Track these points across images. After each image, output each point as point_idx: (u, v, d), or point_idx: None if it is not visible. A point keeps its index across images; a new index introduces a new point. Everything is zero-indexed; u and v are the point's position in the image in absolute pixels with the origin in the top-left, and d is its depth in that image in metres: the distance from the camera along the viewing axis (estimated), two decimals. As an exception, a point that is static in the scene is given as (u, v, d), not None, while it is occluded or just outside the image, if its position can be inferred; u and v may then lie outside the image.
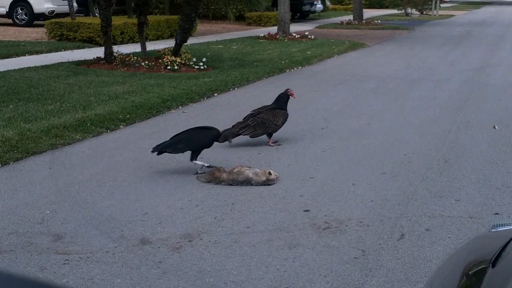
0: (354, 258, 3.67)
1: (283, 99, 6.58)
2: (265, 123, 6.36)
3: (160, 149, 5.38)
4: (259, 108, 6.57)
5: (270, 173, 5.06)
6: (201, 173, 5.27)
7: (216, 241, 3.92)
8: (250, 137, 6.39)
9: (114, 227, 4.15)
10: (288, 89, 6.65)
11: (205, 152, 5.52)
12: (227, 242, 3.91)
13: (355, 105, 8.85)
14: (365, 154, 6.11)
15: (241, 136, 6.35)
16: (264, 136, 6.46)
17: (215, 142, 5.52)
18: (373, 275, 3.46)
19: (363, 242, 3.89)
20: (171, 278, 3.43)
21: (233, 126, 6.38)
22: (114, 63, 11.70)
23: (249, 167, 5.15)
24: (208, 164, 5.33)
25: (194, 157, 5.35)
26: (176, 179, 5.25)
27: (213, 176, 5.09)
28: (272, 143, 6.43)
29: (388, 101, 9.18)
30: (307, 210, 4.47)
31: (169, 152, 5.38)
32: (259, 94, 9.59)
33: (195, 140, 5.35)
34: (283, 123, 6.48)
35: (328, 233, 4.05)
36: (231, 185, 5.00)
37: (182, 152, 5.39)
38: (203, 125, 5.80)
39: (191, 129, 5.55)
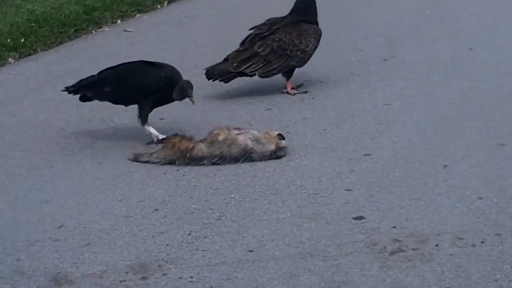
0: (451, 309, 3.67)
1: (309, 4, 6.53)
2: (286, 49, 6.34)
3: (78, 87, 5.51)
4: (269, 22, 6.50)
5: (281, 137, 5.19)
6: (151, 143, 5.38)
7: (192, 278, 3.90)
8: (260, 75, 6.37)
9: (2, 253, 4.14)
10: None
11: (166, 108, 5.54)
12: (214, 280, 3.89)
13: (443, 14, 8.81)
14: (465, 107, 6.09)
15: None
16: (277, 77, 6.44)
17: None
18: None
19: (466, 278, 3.87)
20: None
21: (226, 57, 6.35)
22: None
23: (238, 129, 5.25)
24: (163, 136, 5.39)
25: (142, 116, 5.42)
26: (116, 158, 5.27)
27: (176, 151, 5.14)
28: (291, 88, 6.42)
29: (506, 6, 9.12)
30: (361, 218, 4.47)
31: (91, 97, 5.53)
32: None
33: (129, 82, 5.49)
34: (315, 47, 6.45)
35: (400, 260, 4.03)
36: (216, 164, 5.09)
37: (109, 100, 5.55)
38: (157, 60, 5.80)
39: (129, 63, 5.68)
